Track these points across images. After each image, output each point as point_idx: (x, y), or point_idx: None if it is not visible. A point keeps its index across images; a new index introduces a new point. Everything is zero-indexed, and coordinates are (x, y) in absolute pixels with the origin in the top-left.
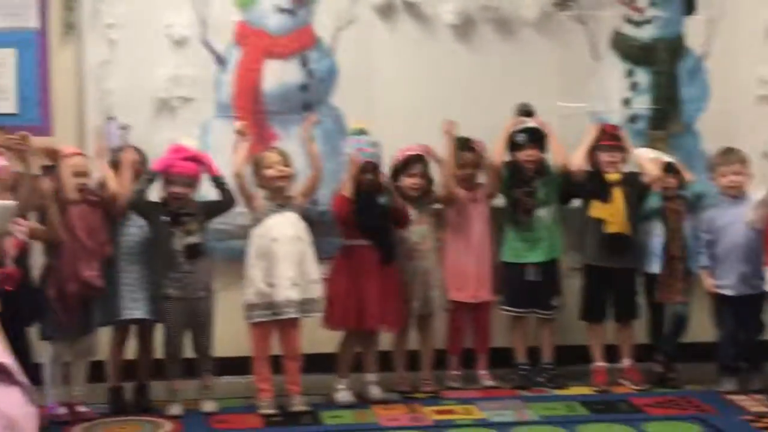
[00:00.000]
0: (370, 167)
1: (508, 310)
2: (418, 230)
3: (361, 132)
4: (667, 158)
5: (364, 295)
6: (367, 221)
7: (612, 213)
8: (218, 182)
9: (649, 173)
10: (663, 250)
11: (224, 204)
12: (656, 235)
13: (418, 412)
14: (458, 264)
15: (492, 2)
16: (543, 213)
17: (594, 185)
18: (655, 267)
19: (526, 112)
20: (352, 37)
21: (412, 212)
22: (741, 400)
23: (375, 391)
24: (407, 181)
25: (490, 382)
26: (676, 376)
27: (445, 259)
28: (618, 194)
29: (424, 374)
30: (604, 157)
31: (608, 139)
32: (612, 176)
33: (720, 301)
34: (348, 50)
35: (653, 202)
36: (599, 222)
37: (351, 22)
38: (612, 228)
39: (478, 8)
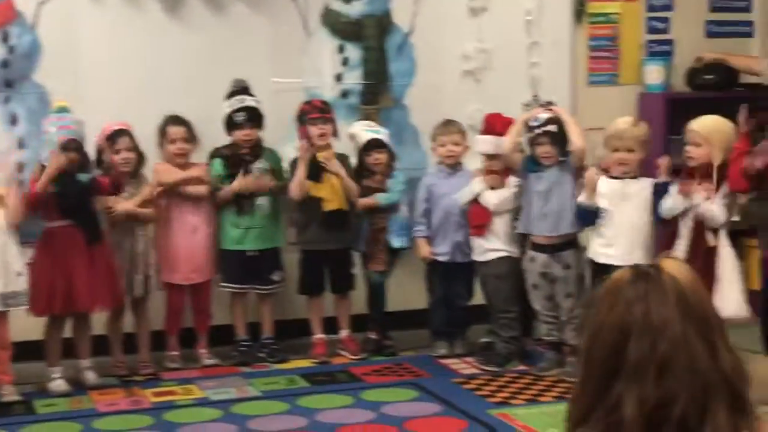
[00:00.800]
0: (72, 145)
1: (227, 287)
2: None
3: (63, 110)
4: (378, 134)
5: (71, 277)
6: (67, 200)
7: (328, 191)
8: None
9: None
10: (367, 223)
11: None
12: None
13: (137, 395)
14: (171, 245)
15: None
16: (263, 200)
17: (312, 165)
18: (360, 245)
19: (243, 88)
20: (55, 11)
21: (133, 188)
22: (453, 363)
23: (91, 377)
24: (114, 158)
25: (210, 361)
26: (393, 344)
27: (158, 239)
28: (336, 170)
29: (142, 356)
30: (315, 130)
31: (316, 112)
32: (325, 153)
33: (432, 267)
34: (51, 26)
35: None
36: (317, 201)
37: None
38: (330, 205)
39: None
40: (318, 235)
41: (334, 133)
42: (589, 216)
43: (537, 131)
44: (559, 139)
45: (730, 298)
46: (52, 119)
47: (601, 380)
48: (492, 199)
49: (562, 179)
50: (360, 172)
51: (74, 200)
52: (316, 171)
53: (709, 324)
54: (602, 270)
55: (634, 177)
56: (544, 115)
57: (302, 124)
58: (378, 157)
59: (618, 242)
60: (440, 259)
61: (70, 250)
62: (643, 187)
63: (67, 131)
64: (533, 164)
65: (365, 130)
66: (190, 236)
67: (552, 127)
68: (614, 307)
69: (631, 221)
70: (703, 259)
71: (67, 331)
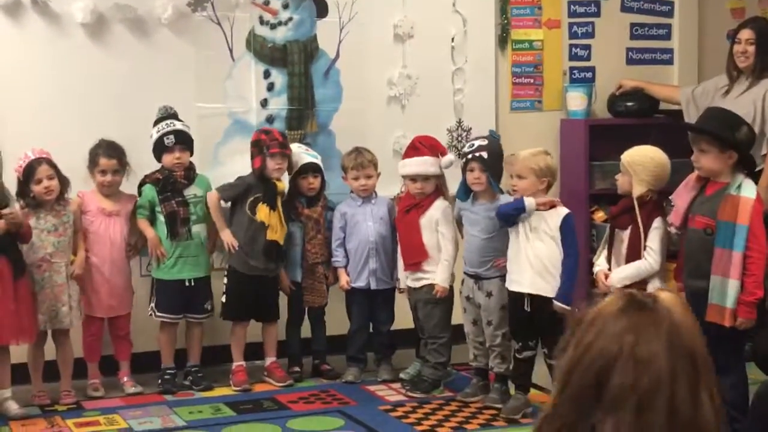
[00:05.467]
0: None
1: (162, 317)
2: (56, 241)
3: None
4: (316, 158)
5: None
6: None
7: (276, 219)
8: None
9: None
10: (302, 257)
11: None
12: (295, 244)
13: (60, 425)
14: (89, 275)
15: (124, 1)
16: (199, 228)
17: (267, 190)
18: (296, 274)
19: (171, 114)
20: None
21: (54, 219)
22: (380, 389)
23: (12, 407)
24: (36, 188)
25: (133, 389)
26: (332, 368)
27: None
28: (280, 204)
29: (64, 385)
30: (272, 164)
31: (277, 147)
32: (281, 185)
33: (351, 295)
34: None
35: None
36: (258, 226)
37: None
38: (272, 235)
39: (111, 7)
40: (252, 258)
41: (288, 169)
42: (510, 218)
43: (468, 156)
44: (491, 166)
45: None
46: None
47: (578, 404)
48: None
49: (491, 212)
50: (292, 197)
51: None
52: (272, 198)
53: (696, 366)
54: (515, 297)
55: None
56: (477, 141)
57: (259, 154)
58: (312, 182)
59: (525, 273)
60: (357, 286)
61: None
62: (550, 218)
63: None
64: (464, 192)
65: (303, 153)
66: (110, 267)
67: (483, 153)
68: (602, 332)
69: (537, 253)
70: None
71: None
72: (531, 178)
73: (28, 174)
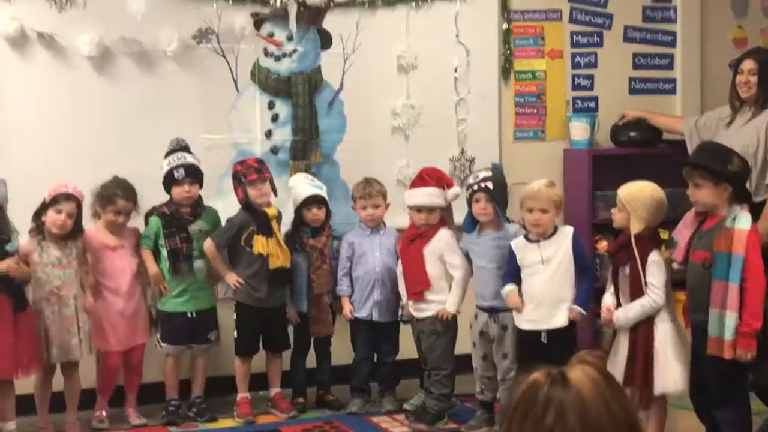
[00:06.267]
0: None
1: (166, 348)
2: (62, 273)
3: None
4: (320, 189)
5: None
6: None
7: (274, 247)
8: None
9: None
10: (307, 287)
11: None
12: (301, 274)
13: None
14: (103, 310)
15: (130, 34)
16: (200, 263)
17: (258, 220)
18: (302, 304)
19: (182, 147)
20: None
21: (57, 251)
22: (383, 421)
23: None
24: (51, 217)
25: (138, 421)
26: (336, 398)
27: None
28: (276, 228)
29: (70, 417)
30: (253, 192)
31: (253, 173)
32: (271, 210)
33: (356, 325)
34: None
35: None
36: (261, 258)
37: None
38: (276, 262)
39: (116, 40)
40: (259, 291)
41: (273, 191)
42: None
43: (474, 187)
44: (497, 196)
45: (667, 373)
46: None
47: None
48: None
49: (500, 243)
50: (297, 227)
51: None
52: (266, 226)
53: None
54: (526, 336)
55: (549, 237)
56: (482, 173)
57: (239, 185)
58: (317, 213)
59: (543, 306)
60: (361, 316)
61: None
62: (560, 246)
63: None
64: (470, 223)
65: (307, 184)
66: (125, 300)
67: (488, 184)
68: (528, 415)
69: (554, 285)
70: (644, 330)
71: None
72: (552, 212)
73: (53, 201)
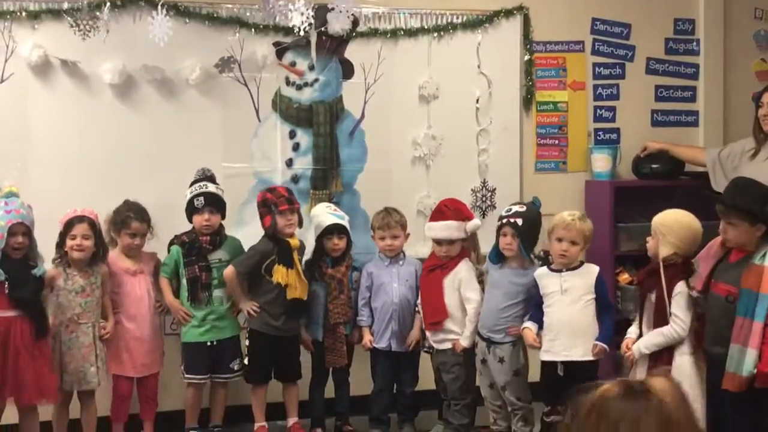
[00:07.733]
0: (21, 229)
1: (191, 379)
2: (84, 302)
3: (11, 194)
4: (342, 219)
5: (18, 369)
6: (20, 292)
7: (294, 278)
8: None
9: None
10: (324, 317)
11: None
12: (318, 303)
13: None
14: (121, 335)
15: (153, 62)
16: (219, 292)
17: (280, 250)
18: (318, 334)
19: (207, 176)
20: (6, 95)
21: (82, 279)
22: None
23: None
24: (68, 243)
25: None
26: (354, 429)
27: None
28: (297, 259)
29: None
30: (282, 221)
31: (285, 203)
32: (294, 241)
33: (375, 355)
34: (1, 110)
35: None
36: (279, 287)
37: (4, 80)
38: (294, 293)
39: (139, 68)
40: (274, 319)
41: (300, 223)
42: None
43: (504, 221)
44: (525, 233)
45: None
46: (0, 204)
47: None
48: None
49: (518, 280)
50: (317, 256)
51: (28, 293)
52: (288, 256)
53: None
54: (546, 367)
55: (572, 269)
56: (515, 207)
57: (268, 213)
58: (338, 243)
59: (560, 337)
60: (381, 347)
61: (18, 341)
62: (582, 280)
63: (15, 215)
64: (496, 255)
65: (329, 213)
66: (142, 325)
67: (518, 220)
68: (600, 423)
69: (571, 315)
70: (663, 361)
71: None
72: (581, 245)
73: (66, 229)
